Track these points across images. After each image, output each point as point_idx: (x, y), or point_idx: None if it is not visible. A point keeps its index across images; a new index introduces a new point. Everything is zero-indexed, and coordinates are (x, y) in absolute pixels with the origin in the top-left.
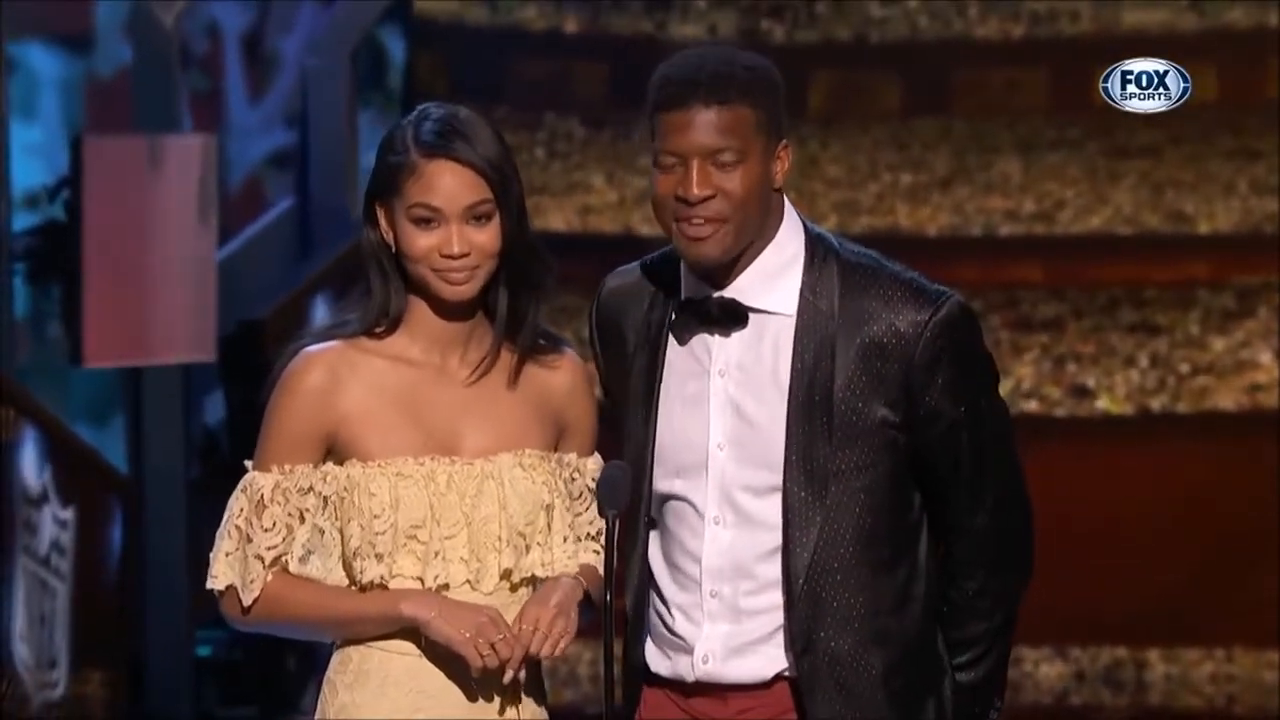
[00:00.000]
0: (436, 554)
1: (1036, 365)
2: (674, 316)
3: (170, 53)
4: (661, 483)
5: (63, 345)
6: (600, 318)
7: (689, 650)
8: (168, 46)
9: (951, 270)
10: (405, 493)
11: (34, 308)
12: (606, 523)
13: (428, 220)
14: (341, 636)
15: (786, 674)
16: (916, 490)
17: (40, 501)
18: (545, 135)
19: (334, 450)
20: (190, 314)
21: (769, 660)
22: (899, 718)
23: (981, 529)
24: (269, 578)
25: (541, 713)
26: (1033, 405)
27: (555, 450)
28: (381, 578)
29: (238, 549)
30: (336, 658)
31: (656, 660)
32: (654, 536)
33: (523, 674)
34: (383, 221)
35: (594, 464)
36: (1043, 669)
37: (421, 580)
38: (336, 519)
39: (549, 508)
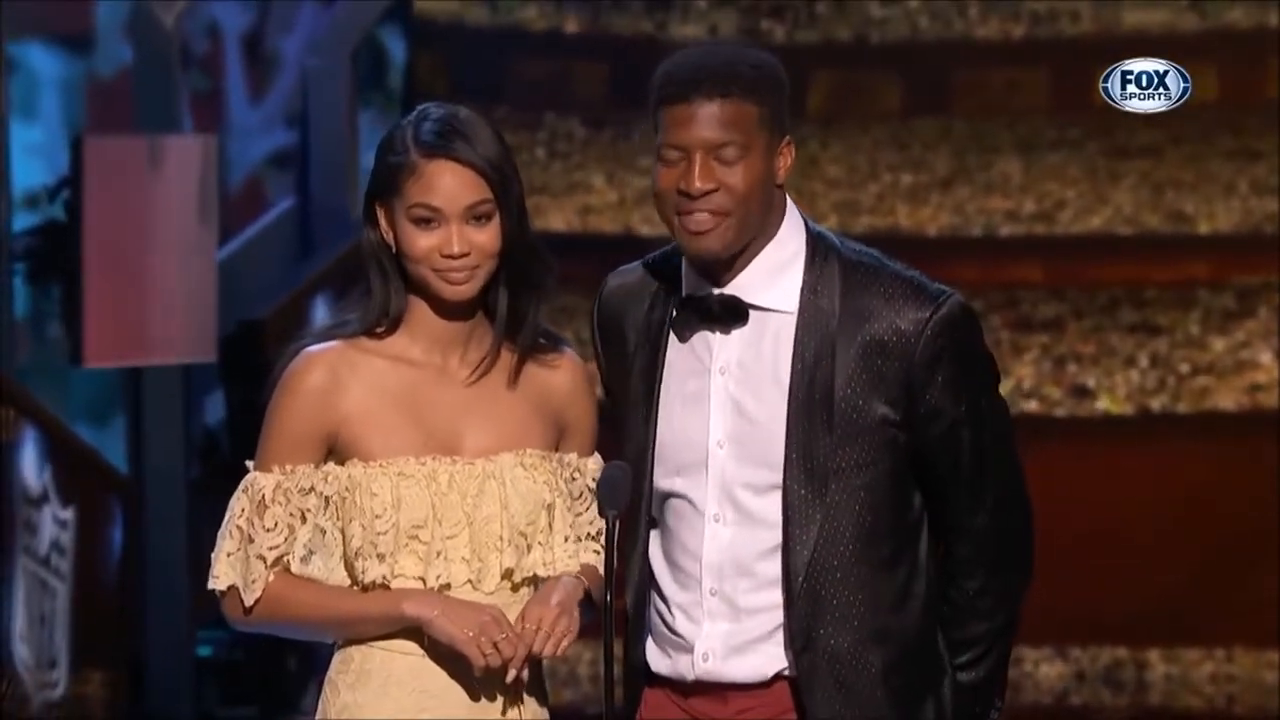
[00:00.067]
0: (438, 554)
1: (1036, 365)
2: (675, 314)
3: (171, 53)
4: (662, 481)
5: (63, 345)
6: (602, 317)
7: (689, 649)
8: (168, 46)
9: (951, 270)
10: (407, 492)
11: (34, 308)
12: (606, 523)
13: (428, 220)
14: (343, 636)
15: (786, 673)
16: (917, 489)
17: (40, 501)
18: (545, 135)
19: (335, 450)
20: (190, 314)
21: (768, 659)
22: (898, 716)
23: (982, 528)
24: (271, 578)
25: (543, 713)
26: (1033, 405)
27: (556, 450)
28: (383, 577)
29: (239, 549)
30: (338, 658)
31: (657, 659)
32: (654, 535)
33: (525, 674)
34: (383, 222)
35: (594, 464)
36: (1043, 669)
37: (423, 580)
38: (338, 519)
39: (550, 507)
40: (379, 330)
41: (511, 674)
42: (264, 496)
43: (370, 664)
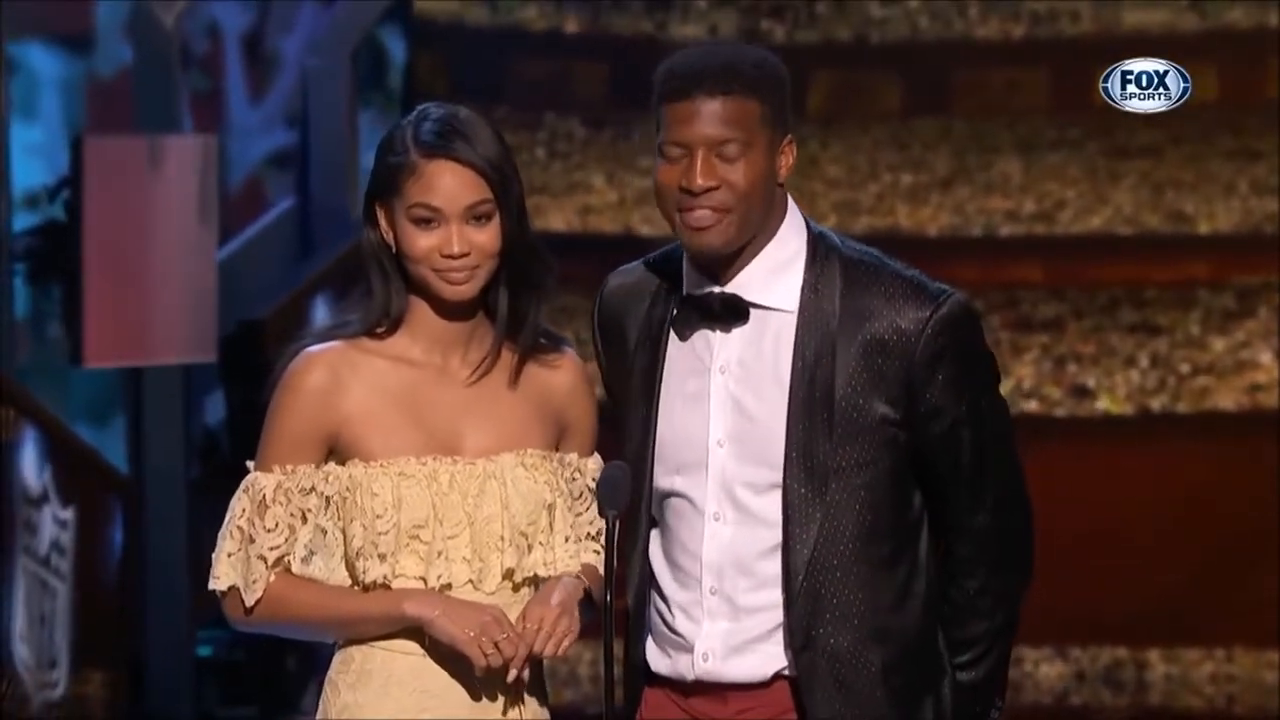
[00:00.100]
0: (439, 554)
1: (1036, 365)
2: (675, 313)
3: (170, 53)
4: (662, 480)
5: (63, 345)
6: (602, 316)
7: (689, 649)
8: (168, 46)
9: (951, 270)
10: (408, 493)
11: (34, 308)
12: (607, 523)
13: (428, 220)
14: (344, 636)
15: (786, 673)
16: (917, 488)
17: (40, 501)
18: (545, 135)
19: (336, 450)
20: (190, 314)
21: (768, 658)
22: (898, 716)
23: (982, 528)
24: (271, 578)
25: (543, 713)
26: (1033, 405)
27: (556, 450)
28: (384, 577)
29: (240, 549)
30: (338, 658)
31: (657, 659)
32: (654, 534)
33: (525, 674)
34: (383, 222)
35: (594, 464)
36: (1043, 669)
37: (424, 580)
38: (339, 519)
39: (551, 507)
40: (379, 330)
41: (512, 674)
42: (265, 497)
43: (371, 664)
